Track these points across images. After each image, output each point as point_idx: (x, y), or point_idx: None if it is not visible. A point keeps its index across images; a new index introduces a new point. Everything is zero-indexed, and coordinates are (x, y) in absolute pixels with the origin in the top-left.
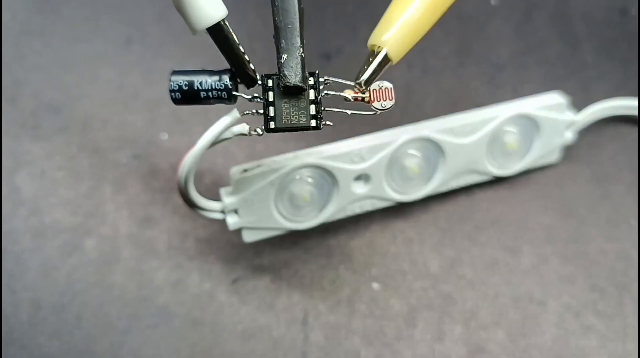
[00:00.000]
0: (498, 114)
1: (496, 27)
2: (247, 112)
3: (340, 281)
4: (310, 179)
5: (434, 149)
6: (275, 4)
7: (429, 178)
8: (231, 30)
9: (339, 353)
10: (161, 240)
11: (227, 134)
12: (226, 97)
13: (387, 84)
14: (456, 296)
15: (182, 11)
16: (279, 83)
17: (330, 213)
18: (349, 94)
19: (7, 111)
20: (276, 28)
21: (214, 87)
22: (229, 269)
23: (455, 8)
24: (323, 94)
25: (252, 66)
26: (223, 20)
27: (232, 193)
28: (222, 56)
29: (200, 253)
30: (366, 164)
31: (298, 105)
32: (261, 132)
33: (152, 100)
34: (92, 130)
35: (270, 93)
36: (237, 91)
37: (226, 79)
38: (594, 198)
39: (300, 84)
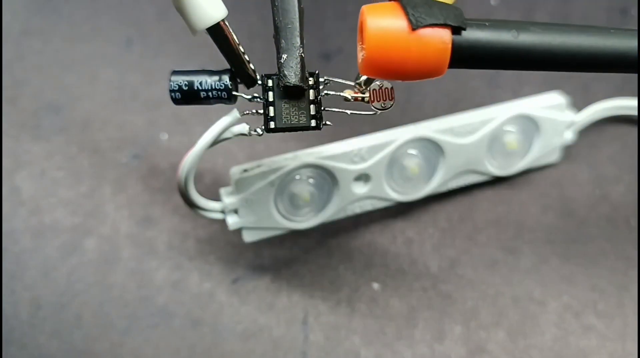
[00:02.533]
0: (498, 114)
1: None
2: (247, 112)
3: (340, 281)
4: (310, 180)
5: (434, 149)
6: (275, 4)
7: (429, 178)
8: (231, 31)
9: (339, 353)
10: (161, 240)
11: (227, 134)
12: (226, 97)
13: (387, 84)
14: (456, 296)
15: (182, 11)
16: (279, 83)
17: (330, 213)
18: (349, 94)
19: (7, 111)
20: (276, 28)
21: (214, 87)
22: (229, 269)
23: None
24: (323, 94)
25: (252, 66)
26: (223, 20)
27: (232, 193)
28: (222, 56)
29: (200, 253)
30: (366, 164)
31: (298, 105)
32: (261, 133)
33: (152, 100)
34: (92, 130)
35: (270, 93)
36: (237, 91)
37: (226, 79)
38: (594, 198)
39: (300, 84)
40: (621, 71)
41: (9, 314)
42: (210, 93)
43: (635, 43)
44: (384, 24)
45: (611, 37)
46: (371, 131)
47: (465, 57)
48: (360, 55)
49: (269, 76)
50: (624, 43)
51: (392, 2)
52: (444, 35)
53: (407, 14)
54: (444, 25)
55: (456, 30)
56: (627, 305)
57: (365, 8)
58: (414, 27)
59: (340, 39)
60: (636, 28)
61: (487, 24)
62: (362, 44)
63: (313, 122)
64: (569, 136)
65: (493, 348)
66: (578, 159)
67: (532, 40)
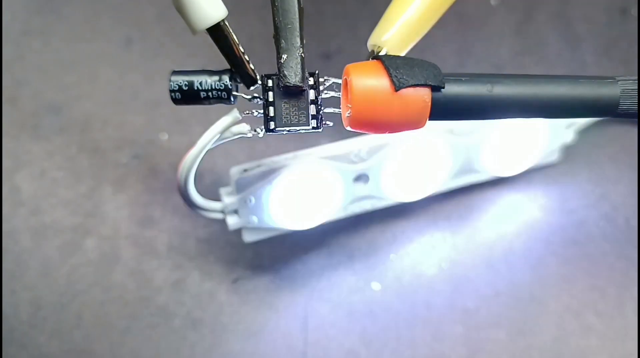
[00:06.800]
0: None
1: (496, 27)
2: (247, 112)
3: (340, 281)
4: (310, 180)
5: (433, 149)
6: (275, 4)
7: (429, 178)
8: (231, 31)
9: (339, 353)
10: (161, 240)
11: (227, 135)
12: (226, 97)
13: None
14: (456, 297)
15: (182, 12)
16: (279, 83)
17: (330, 213)
18: None
19: (7, 111)
20: (276, 28)
21: (214, 87)
22: (229, 269)
23: (455, 8)
24: (323, 94)
25: (252, 66)
26: (223, 20)
27: (232, 193)
28: (222, 56)
29: (200, 253)
30: (366, 164)
31: (298, 105)
32: (261, 133)
33: (152, 100)
34: (92, 130)
35: (270, 93)
36: (237, 91)
37: (226, 79)
38: (594, 198)
39: (300, 84)
40: (592, 116)
41: (9, 314)
42: (210, 93)
43: (605, 90)
44: (368, 84)
45: (580, 86)
46: None
47: (444, 111)
48: (346, 112)
49: (269, 76)
50: (593, 91)
51: (375, 61)
52: (424, 94)
53: (390, 75)
54: (424, 85)
55: (435, 89)
56: (627, 305)
57: (350, 67)
58: (397, 88)
59: (340, 39)
60: (636, 28)
61: (463, 79)
62: (347, 101)
63: (313, 123)
64: (569, 136)
65: (493, 348)
66: (578, 159)
67: (505, 92)
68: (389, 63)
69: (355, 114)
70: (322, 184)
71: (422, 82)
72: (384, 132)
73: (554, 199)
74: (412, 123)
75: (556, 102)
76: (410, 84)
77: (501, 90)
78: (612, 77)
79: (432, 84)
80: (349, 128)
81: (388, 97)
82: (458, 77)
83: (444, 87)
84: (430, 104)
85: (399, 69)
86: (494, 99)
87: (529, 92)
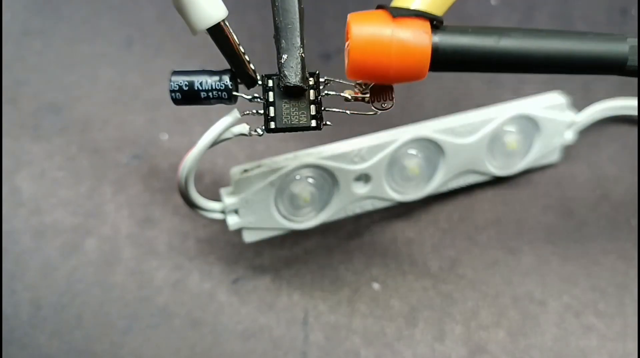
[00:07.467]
0: (498, 114)
1: None
2: (248, 112)
3: (340, 281)
4: (310, 180)
5: (434, 149)
6: (275, 4)
7: (429, 178)
8: (231, 31)
9: (339, 353)
10: (161, 240)
11: (228, 135)
12: (226, 97)
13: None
14: (456, 296)
15: (182, 12)
16: (279, 83)
17: (330, 213)
18: (349, 94)
19: (7, 111)
20: (276, 28)
21: (214, 87)
22: (229, 269)
23: (455, 8)
24: (323, 94)
25: (252, 66)
26: (223, 20)
27: (232, 193)
28: (222, 56)
29: (200, 253)
30: (366, 164)
31: (298, 105)
32: (261, 133)
33: (152, 100)
34: (92, 130)
35: (271, 93)
36: (237, 91)
37: (226, 79)
38: (594, 198)
39: (300, 84)
40: (598, 73)
41: (10, 314)
42: (210, 93)
43: (613, 47)
44: (366, 21)
45: (588, 41)
46: (371, 131)
47: (449, 61)
48: (346, 60)
49: (269, 76)
50: (601, 47)
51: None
52: (424, 28)
53: (388, 10)
54: (423, 17)
55: (435, 27)
56: (627, 305)
57: (351, 14)
58: (394, 15)
59: (340, 39)
60: (636, 28)
61: (470, 30)
62: (347, 47)
63: (313, 123)
64: (569, 136)
65: (493, 348)
66: (578, 159)
67: (512, 45)
68: (387, 5)
69: (354, 56)
70: (323, 184)
71: (420, 14)
72: (386, 81)
73: (554, 199)
74: (413, 67)
75: (563, 56)
76: (407, 13)
77: (508, 43)
78: (622, 35)
79: (431, 16)
80: (350, 80)
81: (386, 32)
82: (464, 29)
83: (442, 22)
84: (430, 42)
85: (397, 7)
86: (500, 51)
87: (536, 46)
